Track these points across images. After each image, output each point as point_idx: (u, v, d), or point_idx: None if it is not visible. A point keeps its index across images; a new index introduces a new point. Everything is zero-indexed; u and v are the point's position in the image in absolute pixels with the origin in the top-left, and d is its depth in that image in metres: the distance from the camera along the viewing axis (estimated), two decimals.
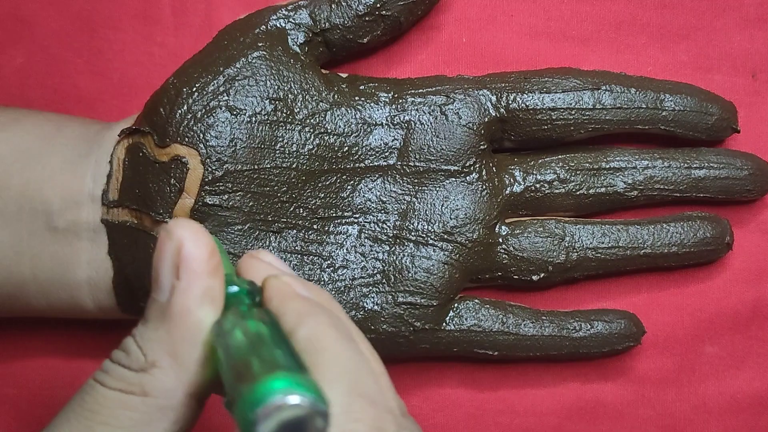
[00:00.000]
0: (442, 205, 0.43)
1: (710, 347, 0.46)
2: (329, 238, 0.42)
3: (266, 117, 0.41)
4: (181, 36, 0.47)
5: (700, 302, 0.46)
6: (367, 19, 0.43)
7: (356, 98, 0.43)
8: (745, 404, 0.46)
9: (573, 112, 0.43)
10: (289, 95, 0.42)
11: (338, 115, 0.42)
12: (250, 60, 0.41)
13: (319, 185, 0.42)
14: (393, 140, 0.43)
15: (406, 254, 0.42)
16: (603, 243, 0.44)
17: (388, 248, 0.43)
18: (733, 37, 0.46)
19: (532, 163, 0.44)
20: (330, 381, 0.28)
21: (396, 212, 0.43)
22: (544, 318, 0.44)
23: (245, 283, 0.32)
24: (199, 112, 0.41)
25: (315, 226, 0.42)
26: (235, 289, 0.31)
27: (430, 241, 0.43)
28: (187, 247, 0.29)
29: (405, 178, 0.43)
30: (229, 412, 0.27)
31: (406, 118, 0.43)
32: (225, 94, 0.41)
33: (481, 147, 0.43)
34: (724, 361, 0.46)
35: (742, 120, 0.45)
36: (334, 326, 0.30)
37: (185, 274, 0.29)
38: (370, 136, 0.43)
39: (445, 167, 0.43)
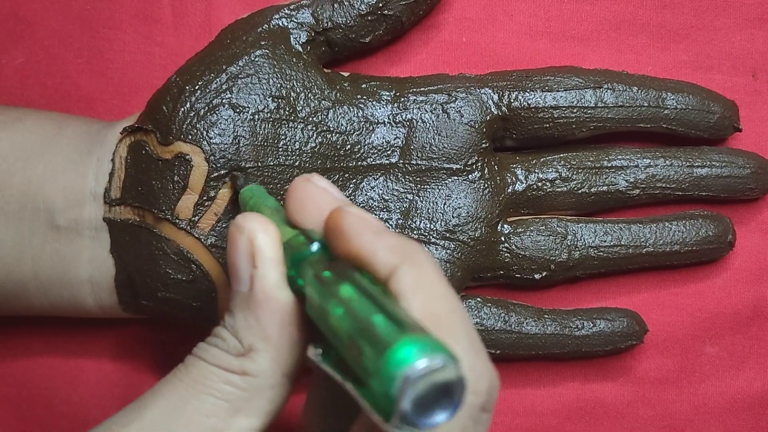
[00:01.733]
0: (444, 204, 0.43)
1: (710, 347, 0.46)
2: None
3: (269, 115, 0.41)
4: (181, 36, 0.47)
5: (700, 302, 0.46)
6: (369, 18, 0.43)
7: (358, 96, 0.43)
8: (746, 404, 0.46)
9: (575, 111, 0.43)
10: (292, 93, 0.42)
11: (340, 114, 0.42)
12: (252, 58, 0.41)
13: None
14: (395, 138, 0.43)
15: None
16: (605, 241, 0.44)
17: None
18: (734, 36, 0.46)
19: (534, 161, 0.44)
20: (454, 336, 0.28)
21: (398, 211, 0.43)
22: (546, 316, 0.44)
23: (314, 235, 0.32)
24: (202, 110, 0.40)
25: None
26: (315, 247, 0.31)
27: (432, 240, 0.43)
28: (259, 237, 0.31)
29: (407, 177, 0.43)
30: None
31: (408, 116, 0.43)
32: (228, 92, 0.41)
33: (483, 145, 0.43)
34: (724, 361, 0.46)
35: (743, 119, 0.45)
36: (437, 268, 0.30)
37: (260, 262, 0.31)
38: (373, 135, 0.43)
39: (447, 166, 0.43)
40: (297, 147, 0.42)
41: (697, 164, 0.44)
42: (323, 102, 0.42)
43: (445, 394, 0.25)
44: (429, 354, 0.24)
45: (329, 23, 0.43)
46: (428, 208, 0.43)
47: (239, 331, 0.32)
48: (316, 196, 0.33)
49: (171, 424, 0.31)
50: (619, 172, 0.44)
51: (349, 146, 0.43)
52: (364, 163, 0.43)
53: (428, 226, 0.43)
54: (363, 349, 0.26)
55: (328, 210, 0.32)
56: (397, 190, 0.43)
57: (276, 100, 0.41)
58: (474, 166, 0.43)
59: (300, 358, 0.32)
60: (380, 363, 0.24)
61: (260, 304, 0.31)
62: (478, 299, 0.44)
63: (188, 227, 0.40)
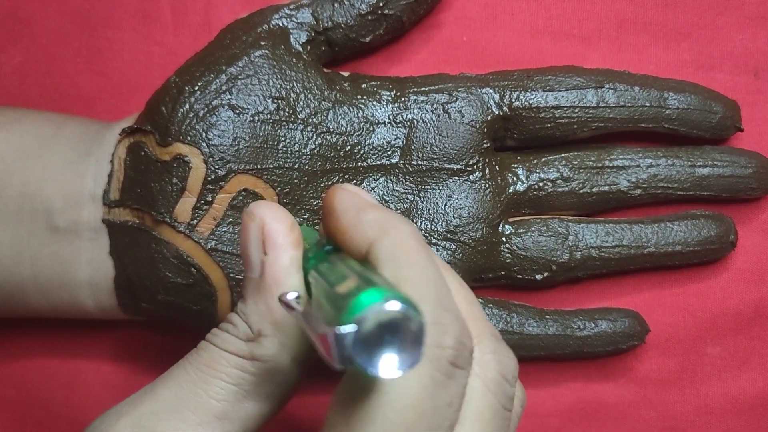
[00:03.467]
0: (445, 204, 0.43)
1: (712, 348, 0.46)
2: None
3: (269, 116, 0.41)
4: (180, 35, 0.47)
5: (702, 302, 0.46)
6: (369, 18, 0.43)
7: (358, 97, 0.43)
8: (748, 405, 0.46)
9: (576, 111, 0.43)
10: (292, 94, 0.42)
11: (340, 114, 0.42)
12: (252, 59, 0.41)
13: (321, 185, 0.42)
14: (395, 139, 0.43)
15: None
16: (607, 242, 0.44)
17: None
18: (735, 35, 0.46)
19: (536, 161, 0.44)
20: (419, 294, 0.28)
21: (399, 211, 0.43)
22: (548, 317, 0.44)
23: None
24: (202, 111, 0.40)
25: (316, 228, 0.42)
26: (327, 247, 0.32)
27: (433, 240, 0.42)
28: (269, 223, 0.32)
29: (408, 177, 0.43)
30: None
31: (409, 116, 0.43)
32: (227, 93, 0.41)
33: (484, 145, 0.43)
34: (726, 361, 0.46)
35: (745, 119, 0.45)
36: (416, 238, 0.30)
37: (271, 248, 0.32)
38: (373, 135, 0.43)
39: (448, 166, 0.43)
40: (297, 149, 0.41)
41: (698, 164, 0.44)
42: (323, 103, 0.42)
43: (400, 339, 0.25)
44: (385, 299, 0.25)
45: (329, 23, 0.43)
46: (429, 209, 0.43)
47: (250, 316, 0.32)
48: (348, 201, 0.33)
49: (181, 407, 0.31)
50: (621, 172, 0.44)
51: (349, 147, 0.42)
52: (365, 163, 0.43)
53: (429, 226, 0.43)
54: (330, 306, 0.28)
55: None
56: (397, 190, 0.43)
57: (276, 101, 0.41)
58: (475, 167, 0.43)
59: (307, 344, 0.32)
60: (341, 310, 0.26)
61: (270, 290, 0.31)
62: (480, 300, 0.44)
63: (187, 230, 0.40)
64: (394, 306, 0.25)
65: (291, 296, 0.30)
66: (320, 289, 0.30)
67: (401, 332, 0.25)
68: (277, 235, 0.32)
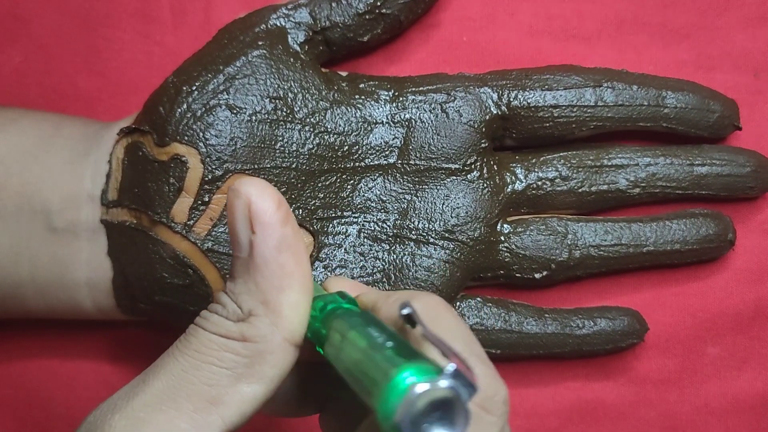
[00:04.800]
0: (443, 204, 0.43)
1: (712, 348, 0.45)
2: (327, 240, 0.42)
3: (266, 116, 0.41)
4: (180, 35, 0.47)
5: (701, 302, 0.46)
6: (367, 17, 0.43)
7: (356, 97, 0.43)
8: (747, 405, 0.45)
9: (575, 110, 0.43)
10: (289, 94, 0.42)
11: (338, 114, 0.42)
12: (250, 59, 0.41)
13: (319, 185, 0.42)
14: (393, 139, 0.43)
15: (406, 253, 0.42)
16: (605, 240, 0.44)
17: (388, 247, 0.42)
18: (735, 36, 0.46)
19: (534, 160, 0.44)
20: (467, 351, 0.29)
21: (396, 211, 0.43)
22: (546, 316, 0.44)
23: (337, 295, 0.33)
24: (199, 111, 0.40)
25: (313, 228, 0.42)
26: (344, 303, 0.33)
27: (431, 240, 0.42)
28: (256, 201, 0.31)
29: (405, 177, 0.43)
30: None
31: (407, 116, 0.43)
32: (225, 93, 0.41)
33: (482, 145, 0.43)
34: (726, 361, 0.46)
35: (744, 119, 0.45)
36: (445, 304, 0.31)
37: (258, 227, 0.31)
38: (371, 135, 0.43)
39: (446, 165, 0.43)
40: (294, 149, 0.41)
41: (697, 162, 0.44)
42: (321, 102, 0.42)
43: (447, 412, 0.25)
44: (422, 379, 0.25)
45: (327, 22, 0.43)
46: (427, 209, 0.43)
47: (239, 296, 0.32)
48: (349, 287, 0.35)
49: (174, 396, 0.31)
50: (620, 171, 0.44)
51: (347, 147, 0.42)
52: (362, 163, 0.43)
53: (427, 226, 0.43)
54: (366, 383, 0.27)
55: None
56: (395, 190, 0.43)
57: (273, 100, 0.41)
58: (473, 166, 0.43)
59: (301, 324, 0.32)
60: (380, 395, 0.25)
61: (259, 269, 0.31)
62: (479, 299, 0.44)
63: (183, 231, 0.40)
64: (447, 383, 0.25)
65: (406, 311, 0.29)
66: (351, 345, 0.29)
67: (451, 407, 0.25)
68: (264, 213, 0.31)
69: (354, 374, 0.28)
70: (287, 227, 0.31)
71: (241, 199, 0.31)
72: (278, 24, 0.42)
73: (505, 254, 0.43)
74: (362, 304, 0.33)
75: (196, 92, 0.41)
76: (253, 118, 0.41)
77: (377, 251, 0.42)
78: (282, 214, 0.31)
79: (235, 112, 0.41)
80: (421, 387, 0.25)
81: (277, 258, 0.31)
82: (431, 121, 0.43)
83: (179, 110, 0.40)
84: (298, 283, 0.31)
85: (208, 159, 0.40)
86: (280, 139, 0.41)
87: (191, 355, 0.31)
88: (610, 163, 0.44)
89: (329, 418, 0.36)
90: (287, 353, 0.32)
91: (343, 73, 0.44)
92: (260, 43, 0.42)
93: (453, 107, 0.43)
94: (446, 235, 0.43)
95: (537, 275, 0.44)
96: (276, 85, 0.41)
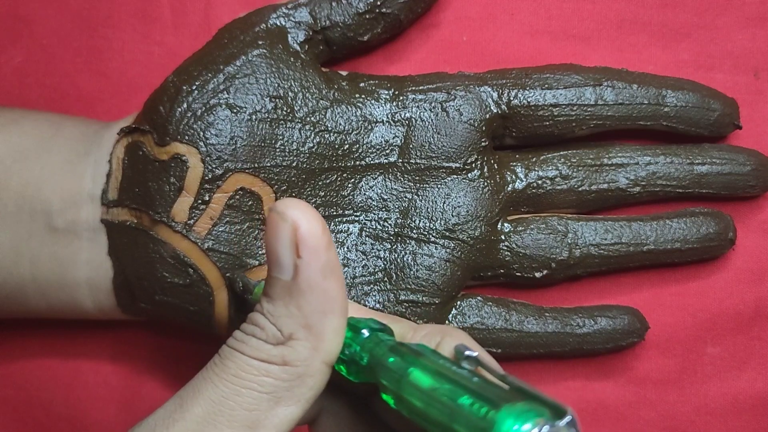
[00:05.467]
0: (444, 203, 0.43)
1: (712, 348, 0.45)
2: None
3: (266, 115, 0.41)
4: (180, 35, 0.47)
5: (701, 302, 0.45)
6: (367, 16, 0.43)
7: (357, 96, 0.43)
8: (748, 405, 0.45)
9: (575, 108, 0.43)
10: (290, 93, 0.42)
11: (339, 113, 0.42)
12: (250, 58, 0.41)
13: (320, 184, 0.42)
14: (394, 137, 0.43)
15: (407, 252, 0.42)
16: (606, 239, 0.44)
17: (389, 246, 0.42)
18: (735, 35, 0.46)
19: (534, 159, 0.44)
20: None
21: (397, 210, 0.43)
22: (547, 315, 0.44)
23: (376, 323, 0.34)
24: (199, 110, 0.40)
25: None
26: (386, 337, 0.33)
27: (432, 239, 0.42)
28: (303, 226, 0.31)
29: (406, 176, 0.43)
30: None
31: (407, 115, 0.43)
32: (225, 92, 0.41)
33: (483, 144, 0.43)
34: (726, 361, 0.46)
35: (744, 119, 0.45)
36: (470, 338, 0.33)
37: (305, 251, 0.31)
38: (371, 134, 0.43)
39: (447, 164, 0.43)
40: (294, 147, 0.41)
41: (697, 161, 0.44)
42: (321, 101, 0.42)
43: None
44: (533, 418, 0.25)
45: (327, 22, 0.43)
46: (427, 207, 0.43)
47: (279, 318, 0.31)
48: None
49: (214, 422, 0.31)
50: (620, 170, 0.44)
51: (347, 146, 0.42)
52: (363, 162, 0.43)
53: (427, 225, 0.43)
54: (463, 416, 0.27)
55: None
56: (396, 189, 0.43)
57: (273, 100, 0.41)
58: (473, 165, 0.43)
59: (339, 347, 0.32)
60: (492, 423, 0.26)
61: (304, 294, 0.31)
62: (479, 298, 0.44)
63: (184, 230, 0.40)
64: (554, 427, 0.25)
65: (469, 353, 0.30)
66: (416, 402, 0.30)
67: None
68: (311, 237, 0.31)
69: (430, 415, 0.29)
70: (331, 251, 0.31)
71: (287, 223, 0.31)
72: (278, 23, 0.42)
73: (506, 253, 0.43)
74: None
75: (196, 91, 0.41)
76: (254, 117, 0.41)
77: (379, 250, 0.42)
78: (327, 238, 0.31)
79: (235, 111, 0.41)
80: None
81: (322, 283, 0.31)
82: (431, 120, 0.43)
83: (179, 110, 0.40)
84: (340, 307, 0.31)
85: (209, 158, 0.40)
86: (281, 138, 0.41)
87: (231, 380, 0.31)
88: (610, 162, 0.44)
89: (319, 431, 0.36)
90: (324, 375, 0.32)
91: (344, 73, 0.44)
92: (260, 42, 0.42)
93: (453, 106, 0.43)
94: (447, 233, 0.43)
95: (537, 274, 0.44)
96: (276, 84, 0.41)
